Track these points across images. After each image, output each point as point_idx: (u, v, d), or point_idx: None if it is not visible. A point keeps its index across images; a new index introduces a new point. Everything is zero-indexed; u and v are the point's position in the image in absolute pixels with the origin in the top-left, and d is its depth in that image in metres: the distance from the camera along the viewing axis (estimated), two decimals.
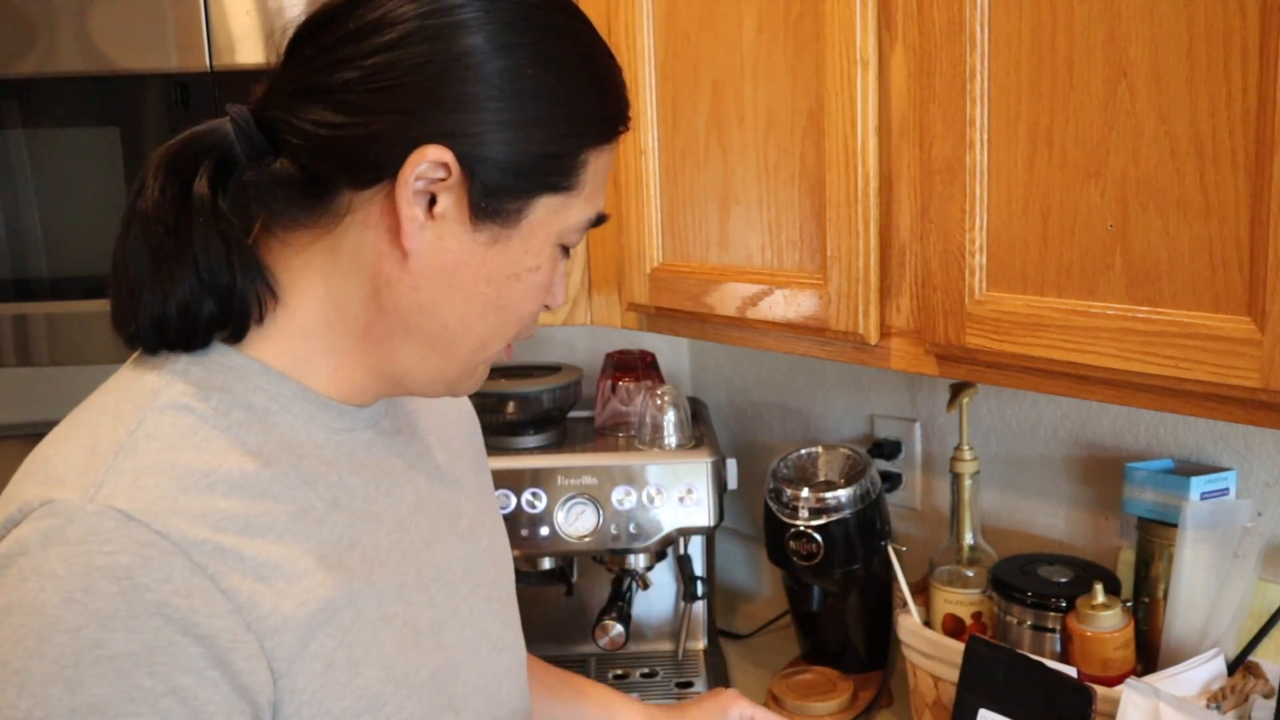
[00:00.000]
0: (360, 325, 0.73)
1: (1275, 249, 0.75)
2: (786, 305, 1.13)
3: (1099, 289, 0.87)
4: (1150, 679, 1.00)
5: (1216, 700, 0.97)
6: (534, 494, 1.40)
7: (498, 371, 1.60)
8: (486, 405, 1.50)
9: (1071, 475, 1.32)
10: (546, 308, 0.79)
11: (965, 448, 1.28)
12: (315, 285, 0.73)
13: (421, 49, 0.67)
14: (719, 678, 1.49)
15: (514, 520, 1.39)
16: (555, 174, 0.72)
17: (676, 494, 1.40)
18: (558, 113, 0.70)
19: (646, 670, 1.52)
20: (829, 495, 1.36)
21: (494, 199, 0.70)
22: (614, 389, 1.60)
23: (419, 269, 0.72)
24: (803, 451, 1.45)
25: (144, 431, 0.66)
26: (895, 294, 1.05)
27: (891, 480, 1.49)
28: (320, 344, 0.74)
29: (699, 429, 1.54)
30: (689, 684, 1.48)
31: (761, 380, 1.73)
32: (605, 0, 1.29)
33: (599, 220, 0.77)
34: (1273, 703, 0.98)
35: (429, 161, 0.68)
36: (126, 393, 0.70)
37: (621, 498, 1.39)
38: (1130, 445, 1.25)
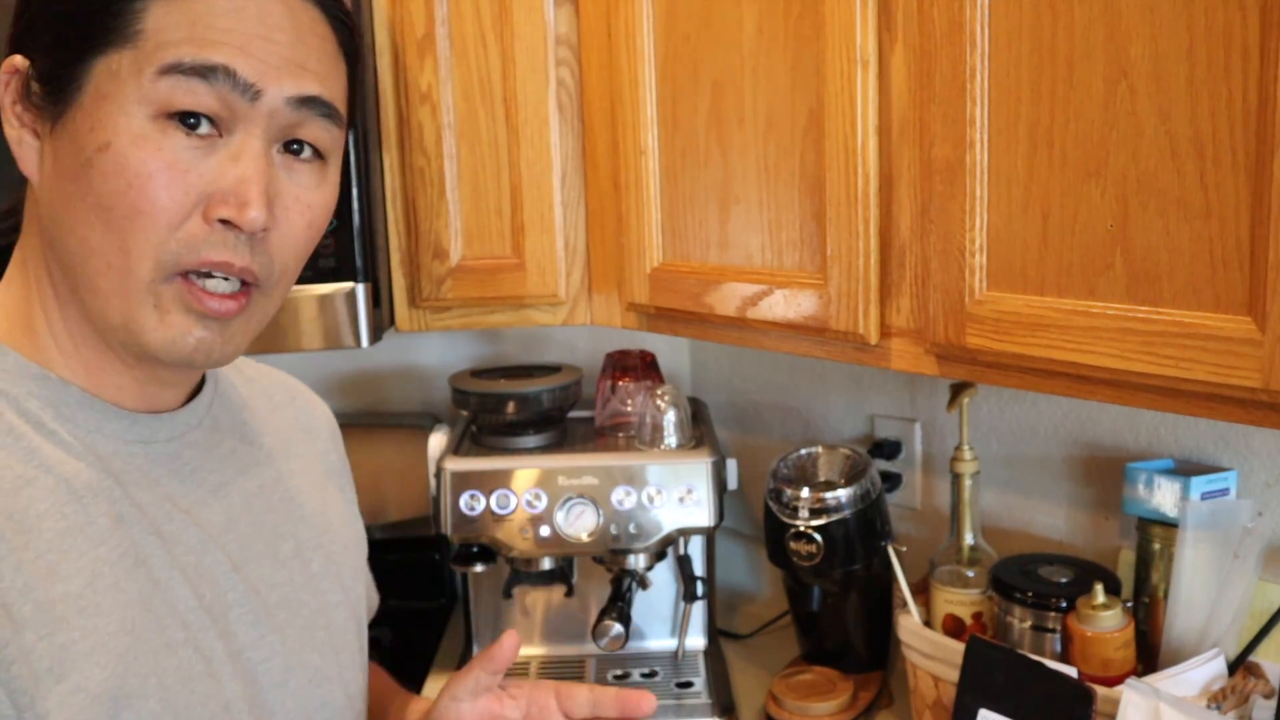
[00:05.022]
0: (50, 290, 0.67)
1: (1275, 249, 0.75)
2: (786, 305, 1.13)
3: (1099, 289, 0.87)
4: (1150, 679, 1.00)
5: (1217, 700, 0.97)
6: (534, 494, 1.40)
7: (498, 371, 1.60)
8: (486, 405, 1.50)
9: (1071, 475, 1.32)
10: (228, 223, 0.64)
11: (965, 448, 1.28)
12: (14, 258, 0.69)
13: None
14: (719, 678, 1.49)
15: (514, 520, 1.40)
16: (98, 28, 0.62)
17: (676, 494, 1.40)
18: None
19: (646, 670, 1.52)
20: (829, 495, 1.36)
21: (50, 81, 0.63)
22: (614, 389, 1.60)
23: (40, 195, 0.66)
24: (803, 451, 1.45)
25: None
26: (895, 294, 1.05)
27: (891, 480, 1.49)
28: (40, 324, 0.68)
29: (699, 429, 1.54)
30: (689, 684, 1.47)
31: (761, 380, 1.73)
32: (605, 0, 1.29)
33: (190, 70, 0.62)
34: (1273, 703, 0.98)
35: (6, 71, 0.64)
36: None
37: (621, 498, 1.39)
38: (1130, 445, 1.25)
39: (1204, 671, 1.02)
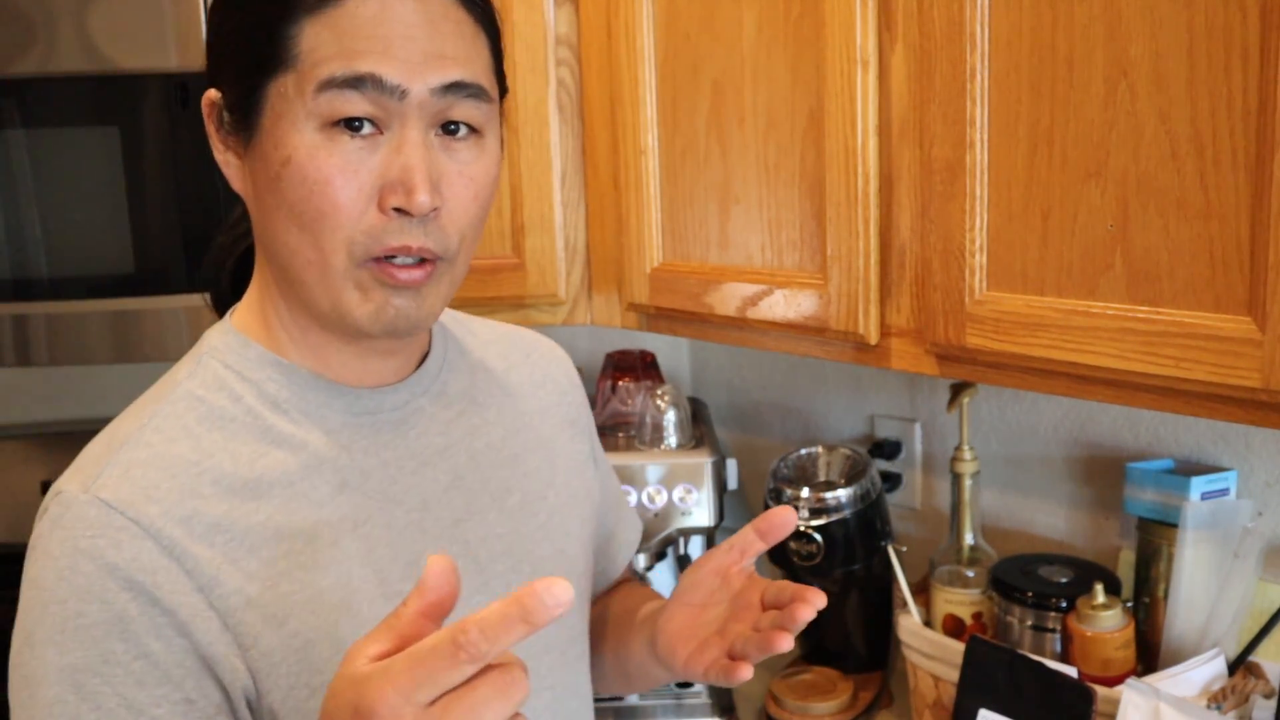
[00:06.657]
0: (275, 287, 0.77)
1: (1275, 249, 0.75)
2: (786, 305, 1.13)
3: (1099, 289, 0.87)
4: (1150, 679, 1.00)
5: (1217, 700, 0.97)
6: None
7: None
8: None
9: (1071, 475, 1.32)
10: (402, 210, 0.70)
11: (965, 448, 1.28)
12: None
13: None
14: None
15: None
16: (265, 56, 0.70)
17: (676, 494, 1.40)
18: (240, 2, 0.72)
19: None
20: (829, 495, 1.36)
21: (237, 109, 0.72)
22: (614, 389, 1.60)
23: (250, 209, 0.76)
24: (803, 451, 1.45)
25: (153, 425, 0.73)
26: (895, 294, 1.05)
27: (891, 480, 1.49)
28: (279, 319, 0.77)
29: (699, 429, 1.54)
30: (688, 684, 1.47)
31: (761, 380, 1.73)
32: (605, 0, 1.29)
33: (343, 83, 0.69)
34: (1273, 703, 0.98)
35: (206, 105, 0.74)
36: (162, 382, 0.77)
37: None
38: (1130, 445, 1.25)
39: (1204, 671, 1.02)
